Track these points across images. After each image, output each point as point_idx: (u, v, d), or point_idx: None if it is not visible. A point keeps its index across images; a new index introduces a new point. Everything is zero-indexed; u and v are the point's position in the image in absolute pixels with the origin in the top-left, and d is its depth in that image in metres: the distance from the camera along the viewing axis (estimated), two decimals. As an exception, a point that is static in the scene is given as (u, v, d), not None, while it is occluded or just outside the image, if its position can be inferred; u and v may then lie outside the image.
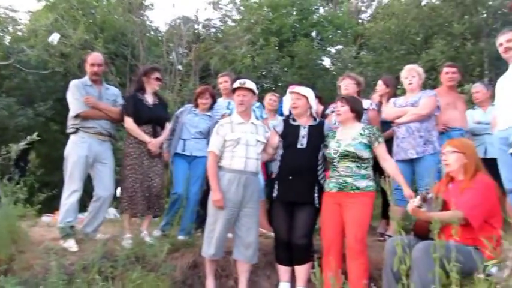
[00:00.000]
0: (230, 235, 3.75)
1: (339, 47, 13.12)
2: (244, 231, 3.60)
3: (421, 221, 2.92)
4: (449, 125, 4.45)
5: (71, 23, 9.08)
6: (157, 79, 4.30)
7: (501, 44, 3.69)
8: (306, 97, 3.74)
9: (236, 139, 3.61)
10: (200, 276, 3.84)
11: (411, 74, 4.34)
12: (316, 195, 3.59)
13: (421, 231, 2.93)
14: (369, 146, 3.50)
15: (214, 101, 4.71)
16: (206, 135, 4.48)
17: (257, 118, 4.29)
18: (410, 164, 4.17)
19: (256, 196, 3.68)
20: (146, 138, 4.09)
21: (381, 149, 3.51)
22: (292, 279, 3.62)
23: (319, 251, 3.58)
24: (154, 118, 4.19)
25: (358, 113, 3.66)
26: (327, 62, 13.23)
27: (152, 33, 11.73)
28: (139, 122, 4.13)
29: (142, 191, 4.05)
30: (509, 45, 3.60)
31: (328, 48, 13.35)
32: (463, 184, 2.97)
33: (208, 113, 4.64)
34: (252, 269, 3.71)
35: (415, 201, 2.85)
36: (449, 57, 8.88)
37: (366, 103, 4.52)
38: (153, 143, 4.08)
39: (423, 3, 11.12)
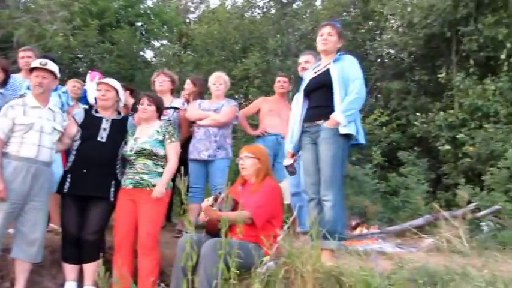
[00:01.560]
0: (11, 230, 3.35)
1: (164, 42, 13.04)
2: (28, 227, 3.25)
3: (212, 220, 3.10)
4: (267, 130, 4.87)
5: None
6: None
7: (299, 64, 4.26)
8: (115, 90, 3.64)
9: (28, 124, 3.25)
10: (-33, 277, 3.32)
11: (219, 81, 4.62)
12: (112, 190, 3.48)
13: (212, 229, 3.10)
14: (164, 143, 3.56)
15: (7, 76, 4.13)
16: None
17: (63, 105, 3.95)
18: (204, 164, 4.42)
19: (46, 188, 3.36)
20: None
21: (170, 147, 3.57)
22: (80, 278, 3.42)
23: (111, 248, 3.47)
24: None
25: (161, 112, 3.75)
26: (150, 55, 13.01)
27: None
28: None
29: None
30: (306, 66, 4.18)
31: (153, 42, 13.13)
32: (254, 187, 3.26)
33: (0, 90, 4.05)
34: (35, 268, 3.37)
35: (209, 200, 3.01)
36: (261, 70, 9.75)
37: (178, 102, 4.61)
38: None
39: (246, 15, 11.94)
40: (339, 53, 3.40)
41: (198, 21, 13.50)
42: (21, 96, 3.83)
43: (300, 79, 4.79)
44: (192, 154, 4.39)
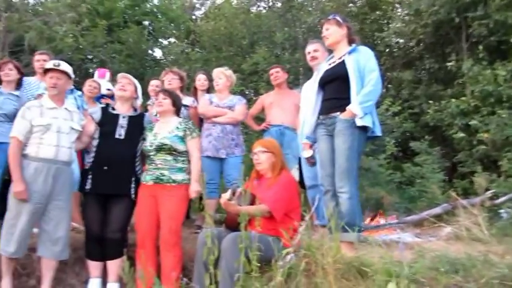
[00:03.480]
0: (36, 230, 3.41)
1: (172, 40, 13.08)
2: (52, 226, 3.30)
3: (231, 214, 3.12)
4: (271, 123, 4.88)
5: None
6: None
7: (309, 53, 4.26)
8: (135, 86, 3.71)
9: (46, 125, 3.29)
10: (-6, 277, 3.39)
11: (218, 76, 4.68)
12: (133, 187, 3.52)
13: (231, 223, 3.13)
14: (184, 139, 3.58)
15: (21, 77, 4.22)
16: (11, 118, 3.95)
17: (78, 108, 4.00)
18: (219, 160, 4.46)
19: (67, 188, 3.41)
20: None
21: (192, 143, 3.60)
22: (104, 275, 3.47)
23: (133, 245, 3.52)
24: None
25: (178, 107, 3.76)
26: (158, 53, 13.06)
27: None
28: None
29: None
30: (315, 55, 4.18)
31: (161, 40, 13.18)
32: (270, 181, 3.28)
33: (16, 93, 4.12)
34: (59, 266, 3.41)
35: (227, 195, 3.03)
36: (270, 63, 9.73)
37: (188, 100, 4.65)
38: None
39: (252, 9, 11.93)
40: (354, 45, 3.38)
41: (205, 18, 13.50)
42: (39, 96, 3.89)
43: (309, 70, 4.81)
44: (210, 151, 4.41)
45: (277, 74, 5.02)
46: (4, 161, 3.84)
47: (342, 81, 3.27)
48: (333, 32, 3.40)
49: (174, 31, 12.90)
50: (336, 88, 3.33)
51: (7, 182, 3.75)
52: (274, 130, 4.81)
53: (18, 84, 4.19)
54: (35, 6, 10.71)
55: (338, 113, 3.25)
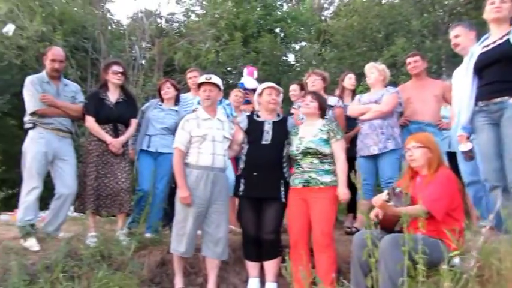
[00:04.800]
0: (199, 232, 3.71)
1: (303, 43, 13.24)
2: (213, 228, 3.57)
3: (387, 215, 2.99)
4: (410, 119, 4.52)
5: (27, 14, 8.66)
6: (117, 73, 4.14)
7: (451, 40, 3.85)
8: (281, 94, 3.83)
9: (202, 135, 3.57)
10: (168, 273, 3.79)
11: (370, 71, 4.47)
12: (282, 190, 3.62)
13: (387, 224, 3.00)
14: (329, 142, 3.56)
15: (178, 93, 4.65)
16: (173, 131, 4.40)
17: (228, 116, 4.25)
18: (373, 159, 4.27)
19: (225, 192, 3.66)
20: (107, 137, 3.99)
21: (336, 146, 3.57)
22: (261, 275, 3.64)
23: (286, 246, 3.60)
24: (115, 117, 4.09)
25: (323, 110, 3.76)
26: (291, 58, 13.34)
27: (114, 26, 11.40)
28: (99, 121, 4.04)
29: (107, 189, 3.95)
30: (456, 41, 3.77)
31: (293, 45, 13.44)
32: (427, 178, 3.06)
33: (175, 108, 4.57)
34: (221, 266, 3.69)
35: (383, 195, 2.90)
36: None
37: (333, 100, 4.61)
38: (113, 144, 3.97)
39: (383, 1, 11.42)
40: None
41: (335, 17, 13.36)
42: (194, 111, 4.26)
43: (453, 57, 4.36)
44: (362, 151, 4.30)
45: (415, 64, 4.59)
46: (169, 169, 4.31)
47: (506, 63, 2.90)
48: (508, 7, 3.03)
49: (305, 34, 13.03)
50: (498, 71, 2.96)
51: (173, 188, 4.20)
52: (413, 127, 4.43)
53: (177, 100, 4.64)
54: (180, 28, 11.84)
55: (507, 98, 2.88)
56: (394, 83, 9.64)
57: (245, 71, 5.68)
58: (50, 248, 3.62)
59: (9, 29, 7.90)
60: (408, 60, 4.69)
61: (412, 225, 2.61)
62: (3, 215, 5.36)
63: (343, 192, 3.45)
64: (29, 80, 4.05)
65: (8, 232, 4.19)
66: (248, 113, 4.33)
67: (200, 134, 3.57)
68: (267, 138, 3.70)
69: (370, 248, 2.40)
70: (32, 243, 3.70)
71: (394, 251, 2.55)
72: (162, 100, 4.58)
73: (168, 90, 4.56)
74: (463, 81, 3.32)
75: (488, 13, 3.11)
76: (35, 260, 3.47)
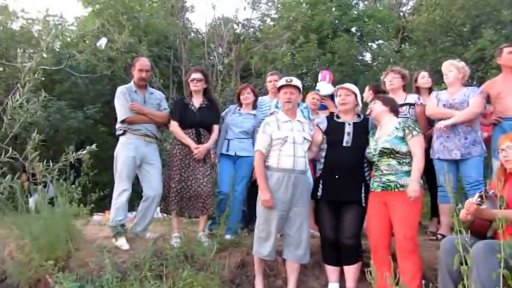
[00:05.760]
0: (278, 235, 3.72)
1: (380, 41, 12.83)
2: (294, 231, 3.55)
3: (478, 219, 2.79)
4: (502, 115, 4.17)
5: (117, 28, 9.32)
6: (193, 80, 4.29)
7: None
8: (355, 94, 3.73)
9: (283, 137, 3.57)
10: (248, 275, 3.84)
11: (448, 68, 4.21)
12: (363, 194, 3.53)
13: (478, 229, 2.80)
14: (405, 139, 3.41)
15: (256, 98, 4.72)
16: (251, 134, 4.49)
17: (305, 119, 4.24)
18: (455, 163, 4.04)
19: (305, 195, 3.63)
20: (190, 142, 4.14)
21: (413, 141, 3.39)
22: (341, 279, 3.57)
23: (366, 251, 3.51)
24: (198, 122, 4.24)
25: (391, 107, 3.60)
26: (368, 57, 13.00)
27: (193, 35, 11.88)
28: (183, 126, 4.22)
29: (190, 191, 4.11)
30: None
31: (370, 43, 13.08)
32: (524, 180, 2.82)
33: (253, 112, 4.64)
34: (301, 269, 3.66)
35: (474, 199, 2.71)
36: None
37: (412, 98, 4.42)
38: (198, 150, 4.11)
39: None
40: None
41: (415, 12, 12.78)
42: (271, 114, 4.29)
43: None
44: (442, 153, 4.07)
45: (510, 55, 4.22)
46: (247, 172, 4.39)
47: None
48: None
49: (382, 32, 12.62)
50: None
51: (251, 191, 4.27)
52: (507, 124, 4.09)
53: (254, 105, 4.71)
54: (256, 32, 12.03)
55: None
56: (482, 78, 9.06)
57: (320, 76, 5.61)
58: (138, 248, 3.84)
59: (102, 42, 8.56)
60: (504, 49, 4.29)
61: (507, 230, 2.42)
62: (96, 216, 5.77)
63: (413, 189, 3.25)
64: (119, 90, 4.35)
65: (100, 232, 4.53)
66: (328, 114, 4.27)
67: (281, 136, 3.58)
68: (347, 140, 3.61)
69: (461, 255, 2.25)
70: (122, 243, 3.96)
71: (489, 258, 2.40)
72: (241, 105, 4.68)
73: (248, 96, 4.64)
74: None
75: None
76: (125, 258, 3.71)
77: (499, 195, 2.58)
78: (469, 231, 2.93)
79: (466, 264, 2.25)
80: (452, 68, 4.19)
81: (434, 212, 4.53)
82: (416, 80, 4.81)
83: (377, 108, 3.60)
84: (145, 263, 3.49)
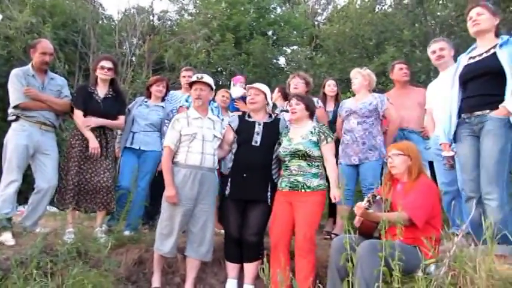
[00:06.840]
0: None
1: (295, 47, 13.26)
2: (199, 228, 3.54)
3: (366, 221, 2.99)
4: (402, 126, 4.49)
5: (17, 5, 8.55)
6: (104, 68, 4.10)
7: (434, 52, 3.92)
8: (264, 93, 3.78)
9: (192, 134, 3.54)
10: (145, 272, 3.75)
11: (354, 76, 4.48)
12: (269, 193, 3.59)
13: (365, 230, 3.00)
14: (319, 144, 3.54)
15: (167, 92, 4.63)
16: (158, 127, 4.39)
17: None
18: (355, 166, 4.28)
19: (212, 192, 3.63)
20: (90, 136, 3.94)
21: (327, 148, 3.55)
22: (240, 276, 3.61)
23: (268, 248, 3.59)
24: (102, 113, 4.05)
25: (311, 111, 3.72)
26: (282, 61, 13.35)
27: (105, 21, 11.30)
28: (87, 115, 4.00)
29: (88, 185, 3.92)
30: (442, 54, 3.86)
31: (284, 48, 13.46)
32: (407, 186, 3.07)
33: (161, 104, 4.54)
34: (200, 266, 3.64)
35: (363, 202, 2.90)
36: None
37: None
38: (95, 150, 3.93)
39: (377, 9, 11.50)
40: (506, 36, 3.01)
41: (328, 22, 13.43)
42: (181, 108, 4.22)
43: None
44: (343, 159, 4.31)
45: (407, 71, 4.66)
46: (152, 167, 4.28)
47: (491, 76, 2.94)
48: (486, 18, 3.08)
49: (297, 38, 13.06)
50: (483, 84, 3.01)
51: (155, 186, 4.17)
52: (397, 134, 4.42)
53: (163, 98, 4.61)
54: (172, 26, 11.79)
55: (487, 111, 2.92)
56: (382, 90, 9.76)
57: (232, 83, 5.60)
58: (26, 243, 3.55)
59: (-4, 17, 7.79)
60: (400, 66, 4.70)
61: (390, 231, 2.63)
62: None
63: (337, 194, 3.39)
64: (14, 73, 3.99)
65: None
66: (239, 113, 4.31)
67: (190, 133, 3.54)
68: (257, 139, 3.66)
69: (348, 253, 2.39)
70: (7, 238, 3.64)
71: (371, 257, 2.55)
72: (149, 96, 4.54)
73: (163, 90, 4.54)
74: (447, 92, 3.36)
75: (470, 29, 3.17)
76: (9, 254, 3.39)
77: (384, 199, 2.79)
78: (358, 231, 3.16)
79: (352, 262, 2.40)
80: (358, 76, 4.44)
81: (332, 213, 4.78)
82: (324, 87, 5.07)
83: (300, 112, 3.66)
84: (32, 260, 3.24)
